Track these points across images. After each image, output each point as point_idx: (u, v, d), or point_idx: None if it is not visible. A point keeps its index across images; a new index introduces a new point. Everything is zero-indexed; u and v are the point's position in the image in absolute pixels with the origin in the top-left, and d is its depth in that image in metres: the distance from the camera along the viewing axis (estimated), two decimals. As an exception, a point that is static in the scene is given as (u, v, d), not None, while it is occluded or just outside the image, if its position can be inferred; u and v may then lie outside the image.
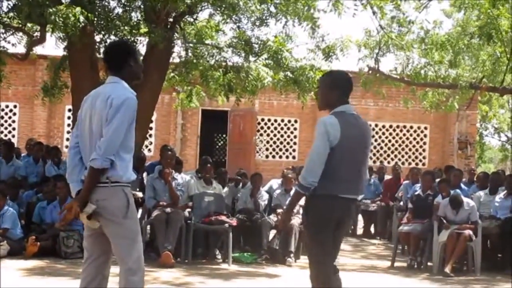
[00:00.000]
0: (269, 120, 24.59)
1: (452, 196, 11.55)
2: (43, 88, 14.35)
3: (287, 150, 24.80)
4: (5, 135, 23.23)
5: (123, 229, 5.09)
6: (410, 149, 25.00)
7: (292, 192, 6.30)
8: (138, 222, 5.32)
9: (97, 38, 12.62)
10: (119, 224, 5.08)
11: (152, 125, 22.28)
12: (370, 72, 18.17)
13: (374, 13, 15.68)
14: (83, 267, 5.34)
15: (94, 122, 5.14)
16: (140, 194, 11.14)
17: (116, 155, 5.03)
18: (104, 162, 4.99)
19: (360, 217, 16.77)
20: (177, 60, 14.11)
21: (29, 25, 12.70)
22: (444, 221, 11.43)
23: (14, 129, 23.68)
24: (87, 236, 5.32)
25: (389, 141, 24.97)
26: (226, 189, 13.01)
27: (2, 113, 23.57)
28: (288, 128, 24.76)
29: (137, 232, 5.21)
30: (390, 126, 24.94)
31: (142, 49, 12.97)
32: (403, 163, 23.75)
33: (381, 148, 24.91)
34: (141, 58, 12.66)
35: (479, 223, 11.46)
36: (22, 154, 15.38)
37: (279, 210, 11.87)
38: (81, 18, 10.40)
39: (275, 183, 14.06)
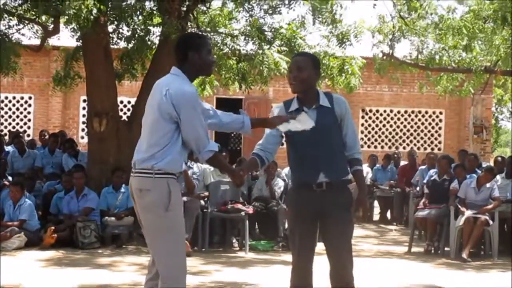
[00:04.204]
0: (283, 107, 24.50)
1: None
2: (54, 77, 14.39)
3: (302, 137, 24.68)
4: (21, 127, 23.33)
5: (164, 221, 4.99)
6: (425, 134, 24.89)
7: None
8: (180, 218, 5.14)
9: (110, 28, 12.63)
10: (160, 217, 4.98)
11: (167, 114, 22.21)
12: (385, 57, 18.09)
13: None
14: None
15: (148, 111, 5.12)
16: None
17: (169, 144, 5.02)
18: (206, 154, 5.10)
19: (376, 203, 16.78)
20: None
21: (43, 17, 12.71)
22: (459, 206, 11.43)
23: (29, 120, 23.74)
24: None
25: (404, 126, 24.87)
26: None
27: (18, 105, 23.65)
28: (303, 115, 24.63)
29: (179, 227, 5.09)
30: (405, 112, 24.83)
31: (155, 39, 12.97)
32: (418, 148, 23.65)
33: (397, 133, 24.82)
34: (155, 47, 12.86)
35: (500, 198, 11.55)
36: (37, 146, 15.47)
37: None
38: (94, 10, 10.41)
39: (288, 170, 14.23)
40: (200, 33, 11.13)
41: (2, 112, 23.36)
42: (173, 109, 4.96)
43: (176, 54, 5.25)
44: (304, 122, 5.32)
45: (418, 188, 14.42)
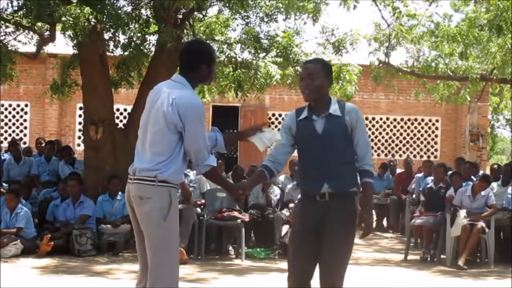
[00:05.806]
0: (280, 115, 24.54)
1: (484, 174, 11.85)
2: (51, 86, 14.38)
3: (298, 145, 24.70)
4: (17, 134, 23.32)
5: (160, 231, 5.00)
6: (421, 142, 24.93)
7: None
8: (176, 229, 5.20)
9: (107, 36, 12.63)
10: (156, 226, 4.98)
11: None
12: (381, 65, 18.12)
13: (379, 9, 15.72)
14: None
15: (151, 118, 5.05)
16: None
17: (173, 155, 4.99)
18: (203, 168, 5.13)
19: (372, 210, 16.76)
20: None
21: (39, 24, 12.70)
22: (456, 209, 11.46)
23: (25, 128, 23.74)
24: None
25: (401, 134, 24.90)
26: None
27: (14, 112, 23.64)
28: (299, 123, 24.64)
29: (173, 237, 5.14)
30: (402, 119, 24.87)
31: (151, 47, 12.97)
32: (414, 156, 23.69)
33: (393, 141, 24.85)
34: (151, 55, 12.86)
35: (496, 206, 11.58)
36: (33, 153, 15.44)
37: (292, 205, 11.88)
38: (91, 18, 10.41)
39: (284, 177, 14.33)
40: (208, 42, 11.09)
41: (-2, 120, 23.37)
42: (179, 118, 4.92)
43: (184, 62, 5.18)
44: (270, 137, 5.38)
45: (414, 196, 14.44)
